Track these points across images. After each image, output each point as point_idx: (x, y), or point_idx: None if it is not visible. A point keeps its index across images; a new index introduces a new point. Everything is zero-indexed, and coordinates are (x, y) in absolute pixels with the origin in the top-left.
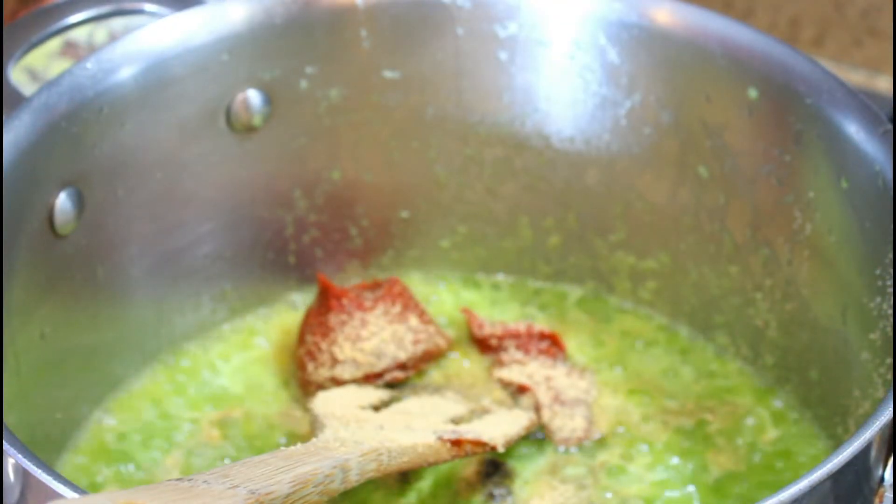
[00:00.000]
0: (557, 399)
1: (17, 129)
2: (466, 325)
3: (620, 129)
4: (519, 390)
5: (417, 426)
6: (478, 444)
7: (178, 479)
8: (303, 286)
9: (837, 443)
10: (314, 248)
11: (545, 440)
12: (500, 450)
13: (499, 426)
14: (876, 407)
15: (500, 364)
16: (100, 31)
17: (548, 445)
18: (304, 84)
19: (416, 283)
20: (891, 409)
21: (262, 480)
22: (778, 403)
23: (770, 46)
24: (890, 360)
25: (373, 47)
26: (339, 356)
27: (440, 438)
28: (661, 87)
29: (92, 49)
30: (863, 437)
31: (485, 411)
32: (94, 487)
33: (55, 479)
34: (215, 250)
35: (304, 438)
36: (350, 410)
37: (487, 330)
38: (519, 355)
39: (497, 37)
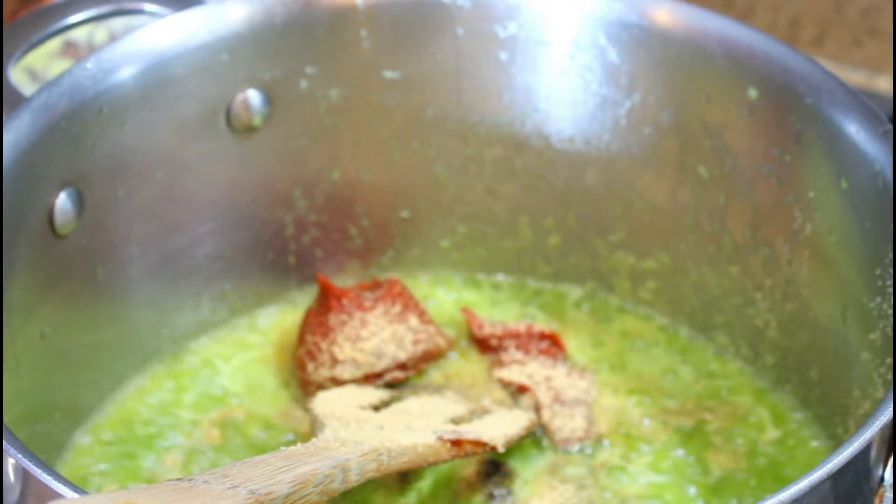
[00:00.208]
0: (557, 399)
1: (17, 129)
2: (466, 325)
3: (620, 129)
4: (519, 390)
5: (417, 426)
6: (478, 444)
7: (178, 479)
8: (303, 286)
9: (837, 443)
10: (314, 248)
11: (545, 440)
12: (500, 450)
13: (499, 426)
14: (876, 407)
15: (500, 364)
16: (100, 31)
17: (548, 445)
18: (304, 84)
19: (416, 283)
20: (891, 409)
21: (262, 480)
22: (778, 403)
23: (770, 46)
24: (890, 360)
25: (373, 47)
26: (339, 356)
27: (440, 438)
28: (661, 87)
29: (92, 49)
30: (863, 437)
31: (485, 411)
32: (94, 487)
33: (55, 479)
34: (215, 250)
35: (305, 438)
36: (350, 410)
37: (487, 330)
38: (519, 355)
39: (497, 37)
